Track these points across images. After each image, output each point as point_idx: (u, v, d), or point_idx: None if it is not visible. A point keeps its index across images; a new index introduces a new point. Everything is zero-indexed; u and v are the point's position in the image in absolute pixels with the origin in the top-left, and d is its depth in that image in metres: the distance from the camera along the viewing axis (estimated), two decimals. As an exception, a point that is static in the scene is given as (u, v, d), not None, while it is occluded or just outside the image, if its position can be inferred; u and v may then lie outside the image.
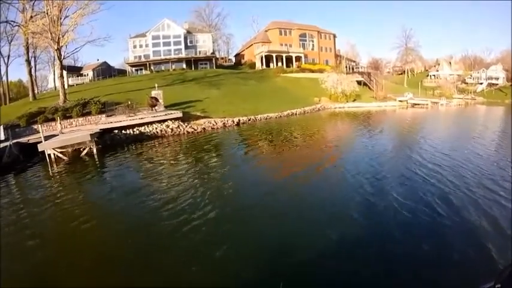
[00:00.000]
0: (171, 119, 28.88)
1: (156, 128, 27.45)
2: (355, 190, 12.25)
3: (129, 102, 30.67)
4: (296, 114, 44.78)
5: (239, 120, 34.81)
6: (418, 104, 64.21)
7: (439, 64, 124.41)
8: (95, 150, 20.58)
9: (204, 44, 71.56)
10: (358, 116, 44.47)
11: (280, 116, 41.35)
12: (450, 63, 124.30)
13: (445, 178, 13.16)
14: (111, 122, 26.02)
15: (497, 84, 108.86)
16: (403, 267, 7.35)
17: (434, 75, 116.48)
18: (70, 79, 63.24)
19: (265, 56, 70.18)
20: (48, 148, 19.55)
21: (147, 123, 27.35)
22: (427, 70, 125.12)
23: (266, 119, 38.70)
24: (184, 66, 66.19)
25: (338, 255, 7.87)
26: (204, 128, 30.12)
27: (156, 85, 36.55)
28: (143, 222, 10.22)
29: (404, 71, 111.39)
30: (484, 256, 7.52)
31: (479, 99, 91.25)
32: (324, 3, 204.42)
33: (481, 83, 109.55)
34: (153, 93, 33.87)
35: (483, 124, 36.01)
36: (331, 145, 23.15)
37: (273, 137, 26.50)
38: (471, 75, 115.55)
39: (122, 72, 69.71)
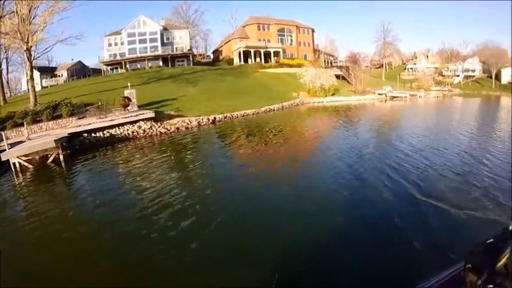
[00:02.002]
0: (143, 120, 28.15)
1: (127, 130, 26.63)
2: (327, 185, 12.67)
3: (100, 103, 29.90)
4: (274, 110, 44.65)
5: (214, 118, 34.37)
6: (397, 97, 65.26)
7: (416, 57, 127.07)
8: (61, 157, 19.87)
9: (181, 41, 70.69)
10: (336, 111, 44.86)
11: (258, 113, 41.13)
12: (427, 56, 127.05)
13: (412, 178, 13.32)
14: (80, 126, 25.27)
15: (473, 76, 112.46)
16: (375, 252, 7.73)
17: (411, 68, 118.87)
18: (44, 80, 61.95)
19: (243, 51, 69.81)
20: (12, 157, 18.87)
21: (118, 125, 26.50)
22: (404, 63, 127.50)
23: (243, 116, 38.41)
24: (160, 63, 65.44)
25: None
26: (177, 128, 29.43)
27: (129, 84, 35.79)
28: (107, 226, 10.14)
29: (382, 65, 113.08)
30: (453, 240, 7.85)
31: (456, 91, 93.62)
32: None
33: (458, 75, 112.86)
34: (126, 92, 33.13)
35: (460, 119, 36.67)
36: (303, 142, 23.19)
37: (247, 135, 26.40)
38: (448, 68, 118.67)
39: (97, 72, 67.96)
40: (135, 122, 27.75)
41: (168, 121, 30.50)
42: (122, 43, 68.27)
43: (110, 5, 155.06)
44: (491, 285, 2.34)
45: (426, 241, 8.07)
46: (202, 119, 32.99)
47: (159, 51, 67.11)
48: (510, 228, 2.69)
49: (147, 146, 23.60)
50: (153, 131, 27.74)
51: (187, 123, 30.92)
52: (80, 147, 23.48)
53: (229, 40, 76.62)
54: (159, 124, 28.93)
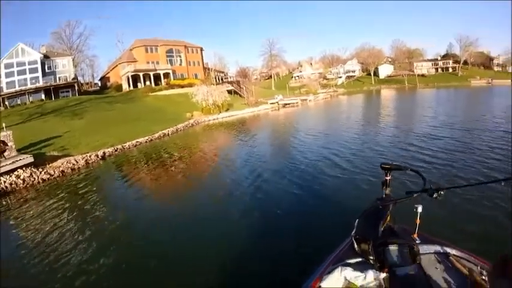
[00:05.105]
0: (21, 167, 25.70)
1: (4, 182, 23.65)
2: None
3: None
4: (169, 134, 45.21)
5: (104, 153, 33.53)
6: (289, 104, 71.00)
7: (301, 66, 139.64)
8: None
9: (65, 69, 67.19)
10: (231, 125, 47.63)
11: (151, 140, 41.21)
12: (311, 63, 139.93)
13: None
14: None
15: (354, 75, 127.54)
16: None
17: (298, 76, 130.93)
18: None
19: (131, 76, 69.14)
20: None
21: (-8, 178, 23.76)
22: (291, 72, 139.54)
23: (135, 145, 38.10)
24: (43, 96, 60.93)
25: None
26: (62, 171, 27.33)
27: (3, 125, 32.96)
28: None
29: (271, 76, 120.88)
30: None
31: (340, 91, 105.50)
32: (188, 17, 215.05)
33: (340, 77, 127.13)
34: (2, 135, 30.25)
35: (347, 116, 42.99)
36: (201, 166, 24.50)
37: (141, 169, 26.01)
38: (331, 71, 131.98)
39: (-27, 111, 61.15)
40: (12, 171, 25.16)
41: (51, 164, 28.50)
42: (-1, 76, 62.57)
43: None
44: (382, 247, 2.70)
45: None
46: (90, 156, 31.67)
47: (41, 83, 62.62)
48: (383, 195, 3.19)
49: (29, 200, 20.60)
50: (34, 179, 25.18)
51: (73, 164, 29.17)
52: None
53: (117, 65, 75.14)
54: (40, 169, 26.75)
